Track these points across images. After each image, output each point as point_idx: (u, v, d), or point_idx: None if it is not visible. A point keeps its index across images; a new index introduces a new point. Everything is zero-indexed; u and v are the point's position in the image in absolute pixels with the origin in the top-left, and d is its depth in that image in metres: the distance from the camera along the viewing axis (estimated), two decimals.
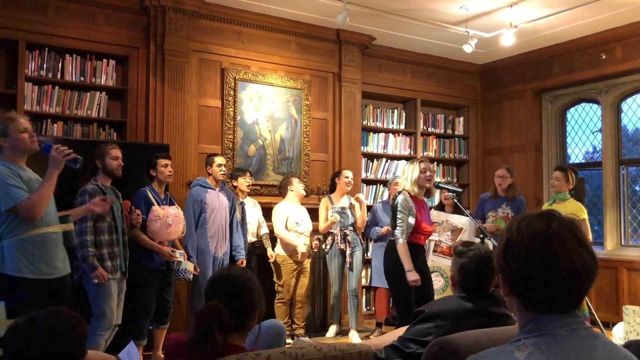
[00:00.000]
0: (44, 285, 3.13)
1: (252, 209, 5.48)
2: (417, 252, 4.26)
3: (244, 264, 5.09)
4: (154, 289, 4.55)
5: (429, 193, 4.39)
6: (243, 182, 5.31)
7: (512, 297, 1.23)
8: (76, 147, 4.10)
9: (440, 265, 5.40)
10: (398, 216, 4.16)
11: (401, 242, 4.14)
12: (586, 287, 1.18)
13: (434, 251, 5.48)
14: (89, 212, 3.77)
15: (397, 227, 4.16)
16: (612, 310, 6.19)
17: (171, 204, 4.67)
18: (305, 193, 5.63)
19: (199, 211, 4.90)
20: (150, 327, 4.63)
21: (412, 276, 4.08)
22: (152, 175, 4.62)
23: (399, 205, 4.18)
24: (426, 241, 4.43)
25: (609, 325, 5.74)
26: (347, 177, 5.77)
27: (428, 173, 4.25)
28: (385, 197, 6.37)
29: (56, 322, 1.58)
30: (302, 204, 5.70)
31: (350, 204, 5.78)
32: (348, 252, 5.69)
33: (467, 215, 4.94)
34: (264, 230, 5.56)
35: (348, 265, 5.72)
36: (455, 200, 4.68)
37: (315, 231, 5.75)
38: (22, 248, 3.07)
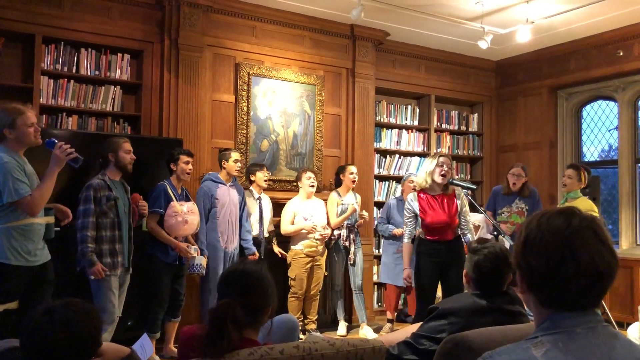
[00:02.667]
0: (28, 271, 3.28)
1: (268, 204, 5.49)
2: (437, 247, 4.30)
3: (256, 257, 5.09)
4: (168, 283, 4.59)
5: (446, 189, 4.37)
6: (261, 177, 5.33)
7: (529, 294, 1.22)
8: (91, 141, 4.16)
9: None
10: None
11: (404, 241, 4.49)
12: (606, 285, 1.17)
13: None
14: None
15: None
16: (626, 310, 6.13)
17: (187, 199, 4.70)
18: (311, 190, 5.57)
19: (210, 206, 4.91)
20: (162, 320, 4.66)
21: (404, 273, 4.47)
22: (172, 170, 4.64)
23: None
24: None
25: (623, 325, 5.69)
26: (352, 173, 5.74)
27: (445, 167, 4.27)
28: (399, 194, 6.35)
29: (72, 313, 1.60)
30: (323, 199, 5.72)
31: (356, 203, 5.76)
32: (352, 249, 5.70)
33: (481, 213, 4.91)
34: (271, 227, 5.57)
35: (351, 262, 5.72)
36: (470, 198, 4.65)
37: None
38: (9, 236, 3.18)
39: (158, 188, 4.54)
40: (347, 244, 5.69)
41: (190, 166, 4.67)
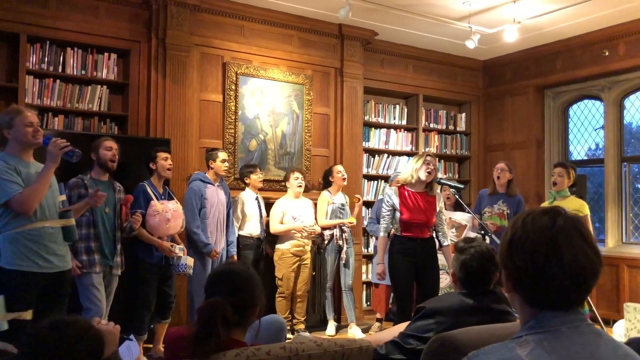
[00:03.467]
0: (40, 279, 3.14)
1: (262, 204, 5.50)
2: (413, 246, 4.28)
3: (235, 260, 5.08)
4: (154, 284, 4.54)
5: (430, 187, 4.39)
6: (256, 179, 5.36)
7: (514, 294, 1.22)
8: (77, 141, 4.11)
9: (447, 263, 5.36)
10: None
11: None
12: (590, 284, 1.18)
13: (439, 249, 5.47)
14: (89, 206, 3.73)
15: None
16: (612, 308, 6.19)
17: (170, 198, 4.65)
18: (299, 190, 5.56)
19: (200, 206, 4.88)
20: (152, 325, 4.63)
21: (378, 268, 4.43)
22: (152, 169, 4.60)
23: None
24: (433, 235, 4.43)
25: (609, 322, 5.74)
26: (339, 172, 5.74)
27: (431, 166, 4.29)
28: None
29: (79, 331, 1.53)
30: (312, 199, 5.72)
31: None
32: (345, 248, 5.70)
33: (469, 212, 4.93)
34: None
35: (343, 262, 5.72)
36: (457, 197, 4.67)
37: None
38: (16, 242, 3.09)
39: (137, 188, 4.50)
40: (340, 242, 5.68)
41: (169, 162, 4.63)
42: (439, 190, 4.49)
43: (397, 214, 4.30)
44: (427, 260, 4.29)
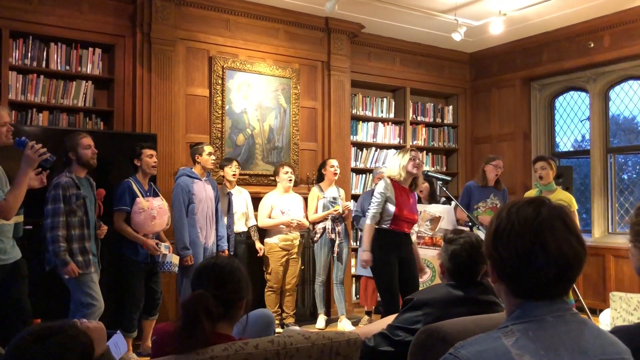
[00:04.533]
0: (1, 271, 3.30)
1: (239, 198, 5.44)
2: (400, 240, 4.27)
3: (226, 254, 5.06)
4: (141, 281, 4.50)
5: (415, 184, 4.39)
6: (229, 172, 5.28)
7: (500, 284, 1.23)
8: (62, 137, 4.07)
9: (425, 257, 5.34)
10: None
11: (367, 223, 4.24)
12: (575, 274, 1.18)
13: (417, 243, 5.47)
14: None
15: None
16: (599, 297, 6.26)
17: (155, 195, 4.61)
18: (289, 184, 5.55)
19: (187, 201, 4.85)
20: (139, 318, 4.61)
21: (364, 255, 4.21)
22: (137, 166, 4.56)
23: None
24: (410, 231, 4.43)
25: (596, 311, 5.80)
26: (332, 167, 5.75)
27: (417, 160, 4.29)
28: (371, 187, 6.37)
29: (65, 340, 1.49)
30: (299, 193, 5.70)
31: (345, 206, 5.74)
32: (337, 242, 5.69)
33: (454, 204, 4.94)
34: (252, 222, 5.54)
35: (336, 255, 5.72)
36: (444, 189, 4.68)
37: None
38: None
39: (122, 185, 4.45)
40: (332, 236, 5.67)
41: (154, 159, 4.58)
42: (440, 184, 4.51)
43: (388, 206, 4.21)
44: (408, 254, 4.30)
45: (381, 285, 4.29)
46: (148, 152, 4.56)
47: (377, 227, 4.23)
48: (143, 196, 4.47)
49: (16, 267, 3.43)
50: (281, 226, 5.44)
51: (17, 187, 3.15)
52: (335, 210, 5.64)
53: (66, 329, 1.45)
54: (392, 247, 4.23)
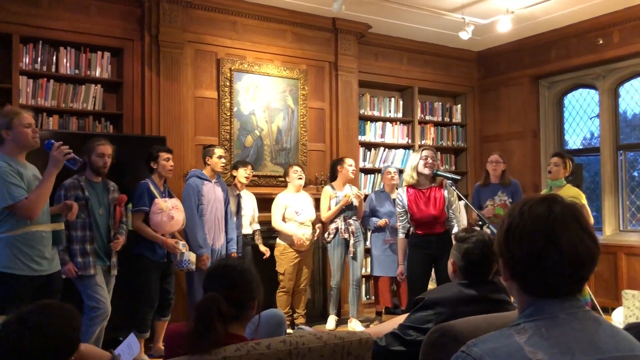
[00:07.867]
0: (32, 282, 3.17)
1: (249, 201, 5.46)
2: (428, 240, 4.32)
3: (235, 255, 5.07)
4: (157, 281, 4.55)
5: (435, 181, 4.38)
6: (242, 173, 5.27)
7: (512, 282, 1.22)
8: (72, 141, 4.10)
9: None
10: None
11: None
12: (588, 271, 1.18)
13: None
14: (63, 212, 3.58)
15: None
16: (611, 295, 6.21)
17: (170, 196, 4.67)
18: (300, 183, 5.54)
19: (197, 202, 4.87)
20: (152, 319, 4.63)
21: (399, 269, 4.60)
22: (153, 168, 4.60)
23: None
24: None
25: (608, 310, 5.77)
26: (350, 165, 5.69)
27: (429, 160, 4.29)
28: (380, 187, 6.35)
29: (47, 317, 1.58)
30: (310, 194, 5.70)
31: (357, 194, 5.70)
32: (352, 241, 5.62)
33: (466, 204, 4.93)
34: (256, 226, 5.53)
35: (352, 255, 5.65)
36: (454, 188, 4.67)
37: (320, 221, 5.72)
38: (11, 245, 3.09)
39: (141, 186, 4.50)
40: (346, 236, 5.61)
41: (171, 162, 4.63)
42: (449, 184, 4.43)
43: (408, 215, 4.39)
44: (443, 252, 4.27)
45: (408, 282, 4.50)
46: (165, 155, 4.60)
47: (410, 233, 4.43)
48: (160, 197, 4.52)
49: (49, 280, 3.28)
50: (292, 235, 5.42)
51: (41, 186, 3.11)
52: (346, 197, 5.55)
53: (46, 308, 1.61)
54: (420, 245, 4.34)
